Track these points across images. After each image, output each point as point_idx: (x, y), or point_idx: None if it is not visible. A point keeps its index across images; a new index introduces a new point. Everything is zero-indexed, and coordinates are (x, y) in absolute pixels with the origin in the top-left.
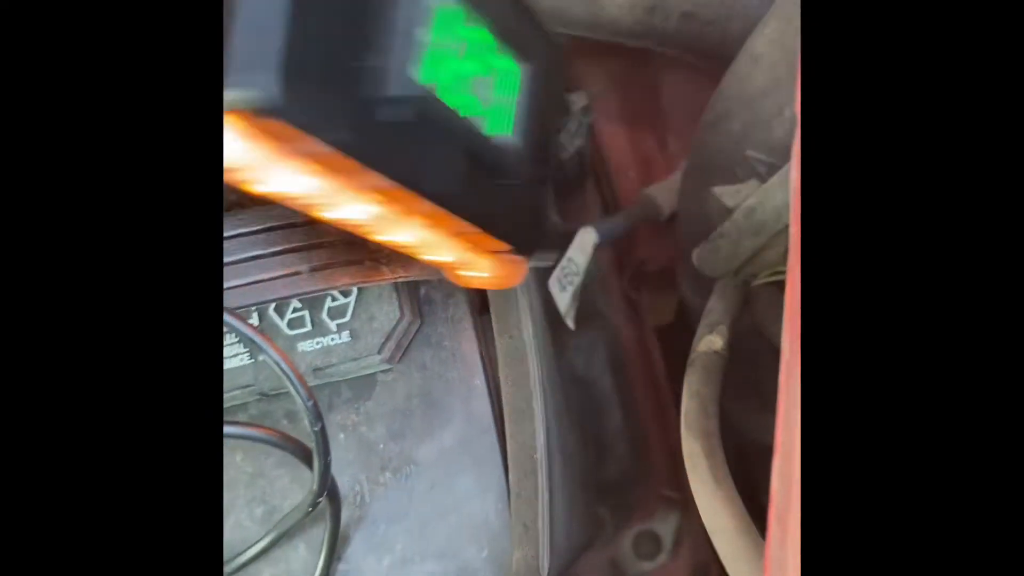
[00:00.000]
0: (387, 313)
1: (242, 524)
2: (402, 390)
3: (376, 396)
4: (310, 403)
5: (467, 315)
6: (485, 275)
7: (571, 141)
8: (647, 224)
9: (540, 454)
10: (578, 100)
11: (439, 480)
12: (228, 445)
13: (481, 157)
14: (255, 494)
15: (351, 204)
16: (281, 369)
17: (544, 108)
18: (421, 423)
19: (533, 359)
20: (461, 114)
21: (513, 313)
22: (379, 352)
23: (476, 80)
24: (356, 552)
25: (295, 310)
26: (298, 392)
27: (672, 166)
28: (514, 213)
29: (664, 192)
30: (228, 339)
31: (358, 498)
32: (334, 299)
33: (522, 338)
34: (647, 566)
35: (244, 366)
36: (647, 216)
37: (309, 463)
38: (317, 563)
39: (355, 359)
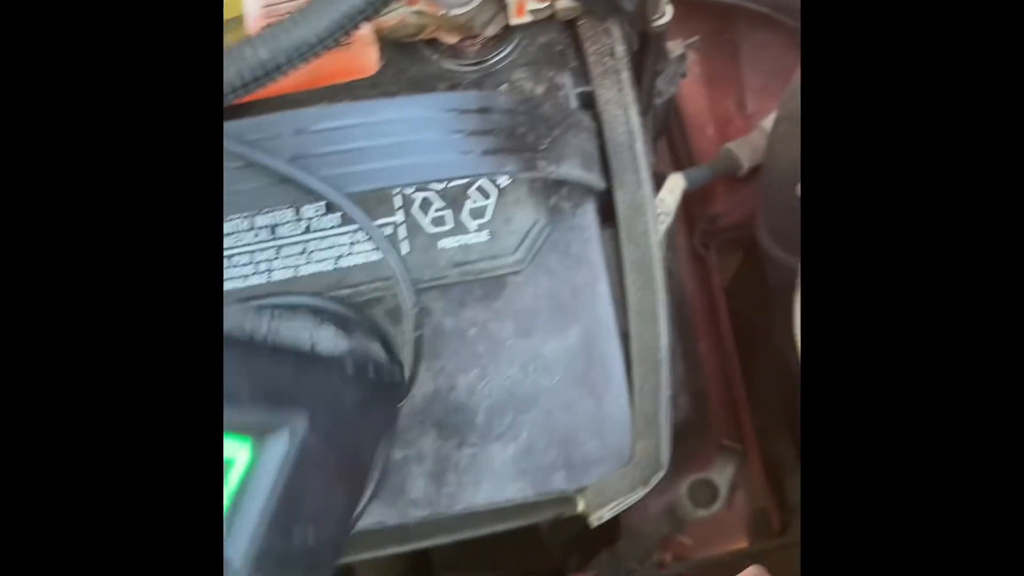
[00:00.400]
0: (523, 217)
1: None
2: (530, 292)
3: (506, 296)
4: (415, 309)
5: (594, 224)
6: None
7: (666, 87)
8: (723, 180)
9: (663, 353)
10: (675, 48)
11: (564, 376)
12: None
13: None
14: None
15: None
16: (393, 267)
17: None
18: (548, 323)
19: (658, 267)
20: None
21: (640, 223)
22: (514, 252)
23: None
24: (484, 437)
25: (438, 209)
26: (407, 293)
27: (749, 126)
28: None
29: (745, 147)
30: (356, 236)
31: (485, 389)
32: (475, 200)
33: (648, 245)
34: (702, 513)
35: (369, 263)
36: (727, 170)
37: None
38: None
39: (492, 257)
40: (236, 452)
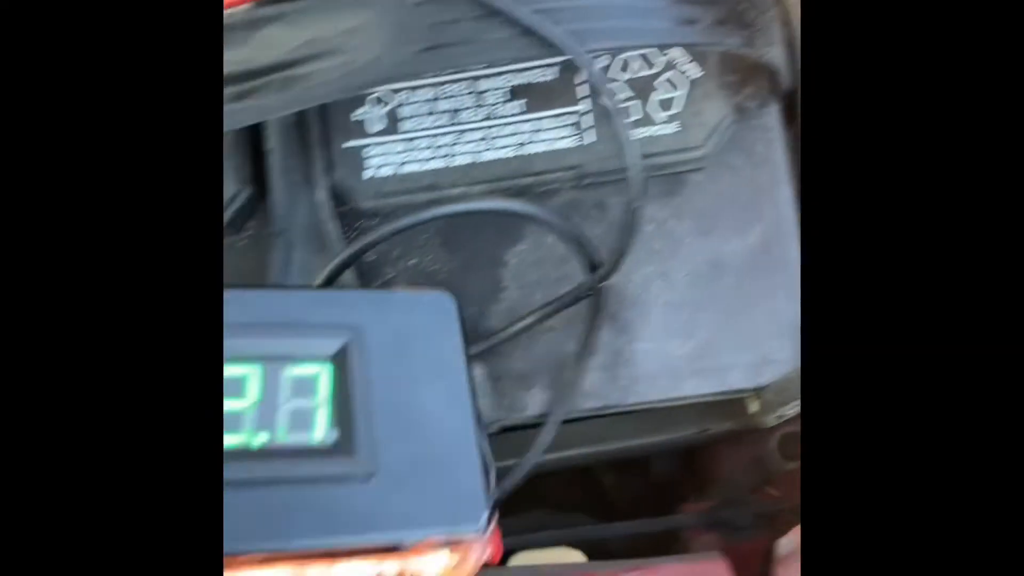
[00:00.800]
0: (712, 110)
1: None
2: (712, 190)
3: (686, 193)
4: (636, 205)
5: (779, 124)
6: None
7: None
8: None
9: None
10: None
11: (744, 276)
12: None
13: None
14: (564, 273)
15: None
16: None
17: None
18: (728, 223)
19: None
20: None
21: None
22: (702, 147)
23: None
24: (659, 334)
25: (627, 99)
26: (636, 186)
27: None
28: None
29: None
30: (556, 121)
31: (661, 286)
32: (663, 92)
33: None
34: (790, 466)
35: (569, 148)
36: None
37: (578, 248)
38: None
39: (679, 150)
40: None
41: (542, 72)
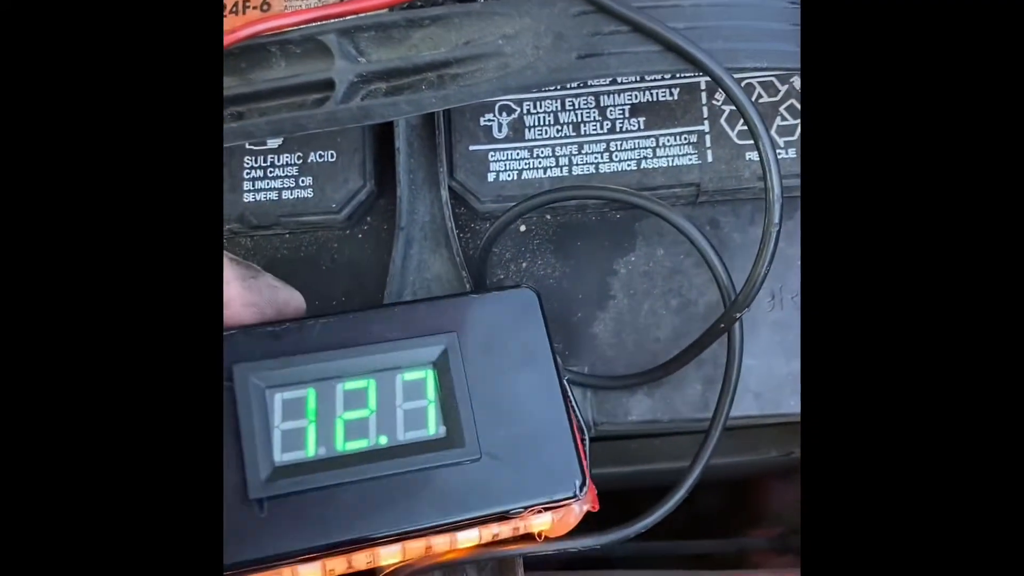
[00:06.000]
0: None
1: (656, 311)
2: None
3: (798, 218)
4: (776, 228)
5: None
6: None
7: None
8: None
9: None
10: None
11: None
12: (650, 236)
13: None
14: (672, 286)
15: None
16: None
17: None
18: None
19: None
20: None
21: None
22: None
23: None
24: (765, 351)
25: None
26: (776, 199)
27: None
28: None
29: None
30: (677, 139)
31: (770, 306)
32: (784, 119)
33: None
34: None
35: (689, 165)
36: None
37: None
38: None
39: (795, 175)
40: None
41: (664, 91)
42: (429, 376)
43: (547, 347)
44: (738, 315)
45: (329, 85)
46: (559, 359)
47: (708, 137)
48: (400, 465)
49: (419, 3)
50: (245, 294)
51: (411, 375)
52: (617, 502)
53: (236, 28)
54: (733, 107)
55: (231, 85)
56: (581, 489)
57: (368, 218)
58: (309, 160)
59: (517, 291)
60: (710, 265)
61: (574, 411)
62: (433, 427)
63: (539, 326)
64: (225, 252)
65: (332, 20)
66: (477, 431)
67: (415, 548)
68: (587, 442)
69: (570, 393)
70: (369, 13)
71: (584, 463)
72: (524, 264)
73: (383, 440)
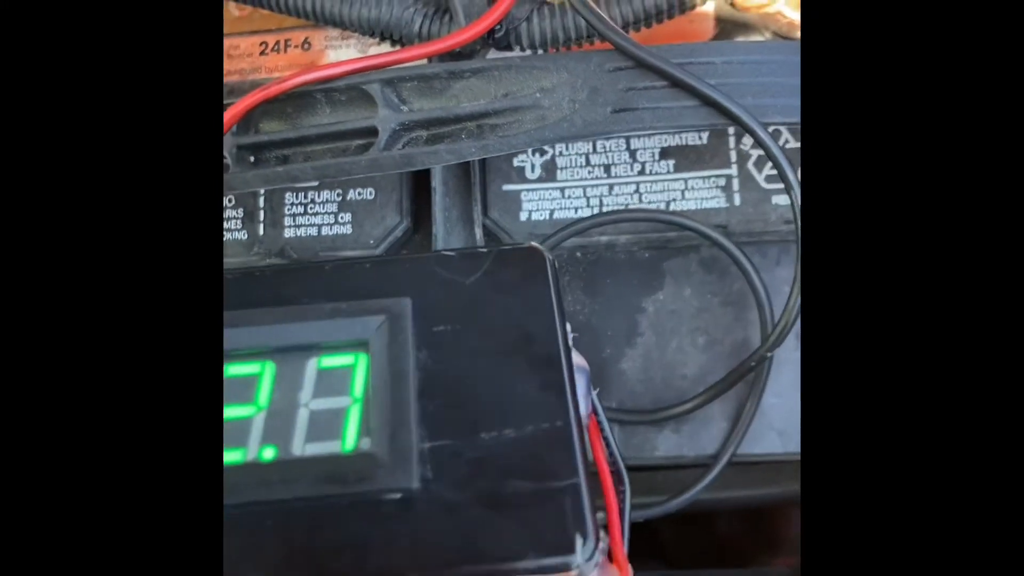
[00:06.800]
0: None
1: (684, 349)
2: None
3: None
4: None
5: None
6: None
7: None
8: None
9: None
10: None
11: None
12: (678, 275)
13: None
14: (699, 325)
15: None
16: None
17: None
18: None
19: None
20: None
21: None
22: None
23: None
24: (788, 389)
25: (772, 167)
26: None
27: None
28: None
29: None
30: (706, 182)
31: (791, 345)
32: None
33: None
34: None
35: (717, 208)
36: None
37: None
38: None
39: None
40: None
41: (693, 136)
42: (359, 362)
43: (554, 329)
44: (769, 354)
45: (372, 132)
46: (573, 350)
47: (736, 181)
48: (286, 491)
49: (461, 55)
50: None
51: (331, 360)
52: (640, 533)
53: (284, 78)
54: (760, 152)
55: (278, 130)
56: (590, 556)
57: (404, 253)
58: (348, 197)
59: (519, 248)
60: (758, 301)
61: (606, 441)
62: (351, 439)
63: (546, 297)
64: None
65: (376, 70)
66: (420, 448)
67: None
68: (627, 492)
69: (599, 409)
70: (411, 64)
71: (612, 520)
72: None
73: (268, 454)
